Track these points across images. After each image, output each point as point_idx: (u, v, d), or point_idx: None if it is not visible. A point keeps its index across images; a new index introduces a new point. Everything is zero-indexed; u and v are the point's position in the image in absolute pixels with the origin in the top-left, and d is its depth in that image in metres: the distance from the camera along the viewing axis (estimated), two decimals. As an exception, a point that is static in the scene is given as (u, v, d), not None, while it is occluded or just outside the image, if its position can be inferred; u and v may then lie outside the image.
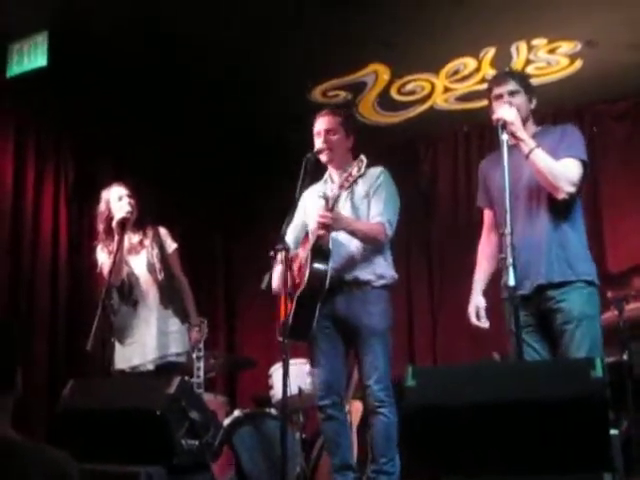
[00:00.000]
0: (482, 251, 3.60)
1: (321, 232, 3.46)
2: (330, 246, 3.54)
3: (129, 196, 4.21)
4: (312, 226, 3.62)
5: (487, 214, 3.58)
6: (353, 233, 3.58)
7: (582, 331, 3.11)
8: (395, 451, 3.48)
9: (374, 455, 3.57)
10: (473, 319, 3.44)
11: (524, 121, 3.27)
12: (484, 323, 3.41)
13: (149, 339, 4.11)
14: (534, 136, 3.28)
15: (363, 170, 3.36)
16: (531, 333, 3.22)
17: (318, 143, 3.72)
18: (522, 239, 3.12)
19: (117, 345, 4.01)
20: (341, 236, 3.59)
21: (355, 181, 3.41)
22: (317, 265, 3.47)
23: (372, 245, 3.62)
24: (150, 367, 4.09)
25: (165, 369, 4.07)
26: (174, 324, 4.19)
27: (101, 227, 4.22)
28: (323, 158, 3.74)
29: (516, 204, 3.18)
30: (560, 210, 3.23)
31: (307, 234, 3.66)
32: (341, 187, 3.44)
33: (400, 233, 3.85)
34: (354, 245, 3.62)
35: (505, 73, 3.66)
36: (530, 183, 3.26)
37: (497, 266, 3.36)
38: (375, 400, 3.50)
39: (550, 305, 3.19)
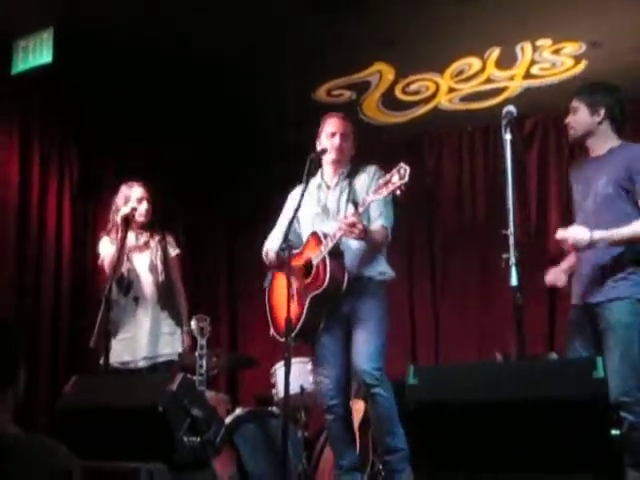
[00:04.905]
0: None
1: (347, 235, 3.47)
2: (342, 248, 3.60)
3: (148, 200, 4.31)
4: (322, 230, 3.63)
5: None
6: (371, 243, 3.63)
7: (616, 338, 3.20)
8: (399, 426, 3.49)
9: (380, 436, 3.60)
10: (550, 277, 3.60)
11: (586, 136, 3.44)
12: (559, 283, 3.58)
13: (141, 337, 4.19)
14: (610, 151, 3.40)
15: (407, 179, 3.27)
16: (581, 338, 3.36)
17: (332, 142, 3.75)
18: (587, 256, 3.34)
19: (112, 339, 4.04)
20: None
21: (400, 187, 3.30)
22: (336, 268, 3.52)
23: (376, 248, 3.68)
24: (140, 365, 4.16)
25: (156, 369, 4.15)
26: (167, 326, 4.28)
27: (117, 220, 4.22)
28: (332, 157, 3.76)
29: (586, 219, 3.36)
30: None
31: (315, 235, 3.65)
32: (378, 193, 3.39)
33: (403, 231, 3.86)
34: (358, 245, 3.64)
35: (579, 87, 3.66)
36: (597, 200, 3.36)
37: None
38: (369, 378, 3.51)
39: (595, 312, 3.31)
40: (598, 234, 3.19)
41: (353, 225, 3.40)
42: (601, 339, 3.28)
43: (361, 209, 3.47)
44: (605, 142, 3.43)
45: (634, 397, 3.09)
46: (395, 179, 3.30)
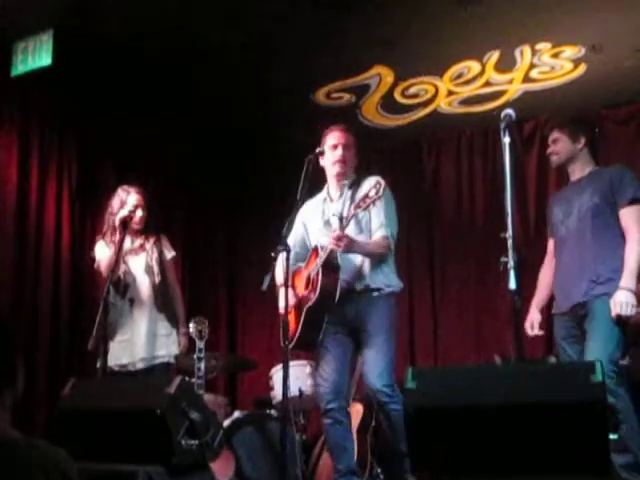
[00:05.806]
0: (542, 278, 3.98)
1: (335, 248, 3.55)
2: (339, 260, 3.67)
3: (143, 208, 4.35)
4: (320, 242, 3.73)
5: (550, 243, 3.99)
6: (363, 254, 3.71)
7: (600, 331, 3.47)
8: None
9: (394, 444, 3.61)
10: (528, 330, 3.85)
11: (569, 162, 3.80)
12: (538, 332, 3.86)
13: (138, 339, 4.23)
14: (590, 174, 3.75)
15: (381, 193, 3.44)
16: (573, 344, 3.63)
17: (334, 155, 3.86)
18: (570, 265, 3.68)
19: (109, 341, 4.05)
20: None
21: (373, 202, 3.48)
22: (328, 280, 3.60)
23: (376, 259, 3.74)
24: (139, 366, 4.21)
25: (153, 371, 4.20)
26: (164, 327, 4.34)
27: (115, 223, 4.24)
28: (336, 169, 3.87)
29: (567, 235, 3.75)
30: (605, 240, 3.62)
31: (315, 249, 3.76)
32: (357, 207, 3.52)
33: (402, 235, 3.87)
34: (361, 257, 3.73)
35: (559, 121, 3.97)
36: (579, 217, 3.69)
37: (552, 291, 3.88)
38: (383, 397, 3.56)
39: (582, 312, 3.58)
40: (627, 282, 3.45)
41: (339, 239, 3.51)
42: (586, 331, 3.54)
43: (344, 222, 3.58)
44: (585, 166, 3.78)
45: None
46: (372, 193, 3.47)
